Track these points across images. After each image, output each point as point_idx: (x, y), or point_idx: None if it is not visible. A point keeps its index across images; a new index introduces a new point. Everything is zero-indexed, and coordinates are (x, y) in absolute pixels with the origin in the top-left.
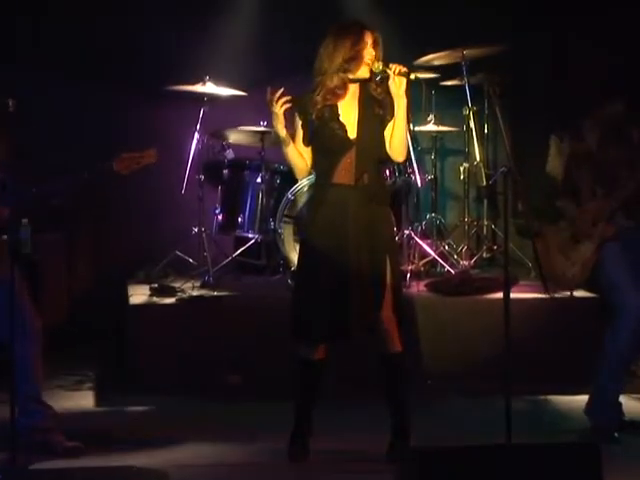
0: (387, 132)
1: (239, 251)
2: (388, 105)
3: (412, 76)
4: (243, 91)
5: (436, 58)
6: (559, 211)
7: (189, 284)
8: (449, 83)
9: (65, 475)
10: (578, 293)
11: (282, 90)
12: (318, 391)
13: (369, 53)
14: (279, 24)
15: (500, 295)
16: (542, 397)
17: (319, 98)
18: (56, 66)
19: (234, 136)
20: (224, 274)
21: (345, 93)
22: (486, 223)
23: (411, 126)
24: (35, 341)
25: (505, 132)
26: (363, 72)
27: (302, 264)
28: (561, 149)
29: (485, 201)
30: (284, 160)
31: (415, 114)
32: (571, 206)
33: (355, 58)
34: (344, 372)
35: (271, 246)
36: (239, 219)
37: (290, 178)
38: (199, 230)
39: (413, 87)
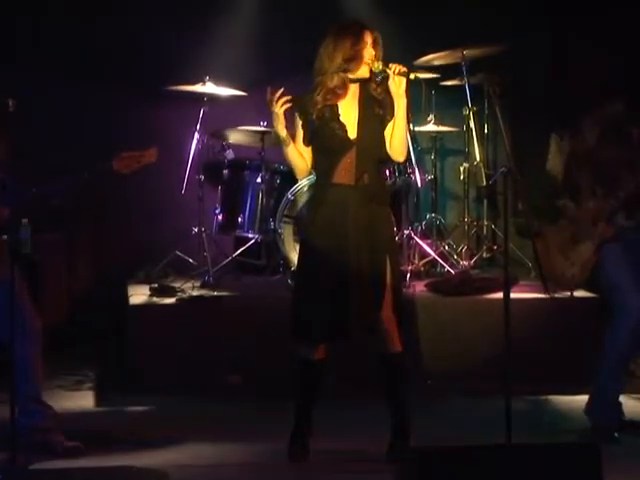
0: (387, 132)
1: (239, 251)
2: (388, 105)
3: (412, 76)
4: (243, 91)
5: (436, 58)
6: (559, 210)
7: (189, 284)
8: (449, 83)
9: (65, 475)
10: (578, 293)
11: (282, 90)
12: (318, 391)
13: (369, 53)
14: (279, 24)
15: (500, 295)
16: (542, 397)
17: (319, 98)
18: (56, 66)
19: (234, 136)
20: (224, 274)
21: (345, 93)
22: (486, 223)
23: (411, 126)
24: (35, 341)
25: (505, 132)
26: (363, 72)
27: (302, 264)
28: (561, 147)
29: (485, 201)
30: (284, 160)
31: (415, 114)
32: (571, 205)
33: (355, 58)
34: (344, 372)
35: (271, 246)
36: (239, 219)
37: (290, 178)
38: (199, 230)
39: (413, 87)
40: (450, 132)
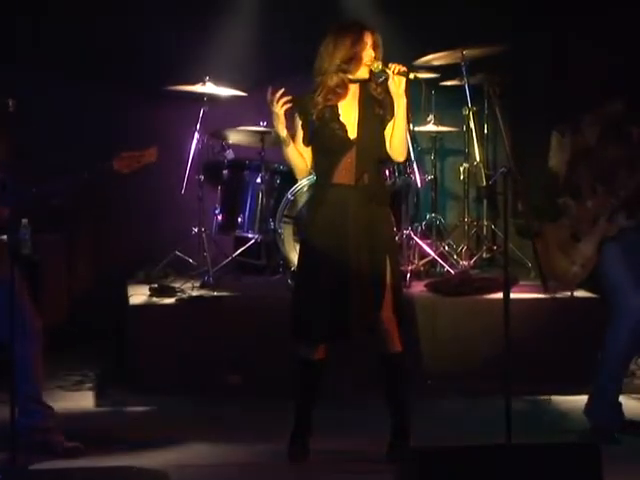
0: (387, 132)
1: (239, 251)
2: (388, 105)
3: (411, 75)
4: (243, 91)
5: (436, 58)
6: (560, 209)
7: (189, 284)
8: (449, 83)
9: (65, 475)
10: (578, 293)
11: (282, 90)
12: (318, 391)
13: (368, 55)
14: (279, 24)
15: (500, 295)
16: (542, 397)
17: (320, 98)
18: (56, 66)
19: (234, 136)
20: (224, 274)
21: (346, 93)
22: (486, 223)
23: (411, 126)
24: (35, 341)
25: (505, 132)
26: (362, 73)
27: (302, 264)
28: (562, 144)
29: (485, 201)
30: (284, 160)
31: (415, 114)
32: (572, 203)
33: (354, 59)
34: (344, 372)
35: (271, 246)
36: (239, 219)
37: (290, 178)
38: (199, 230)
39: (413, 87)
40: (450, 132)
